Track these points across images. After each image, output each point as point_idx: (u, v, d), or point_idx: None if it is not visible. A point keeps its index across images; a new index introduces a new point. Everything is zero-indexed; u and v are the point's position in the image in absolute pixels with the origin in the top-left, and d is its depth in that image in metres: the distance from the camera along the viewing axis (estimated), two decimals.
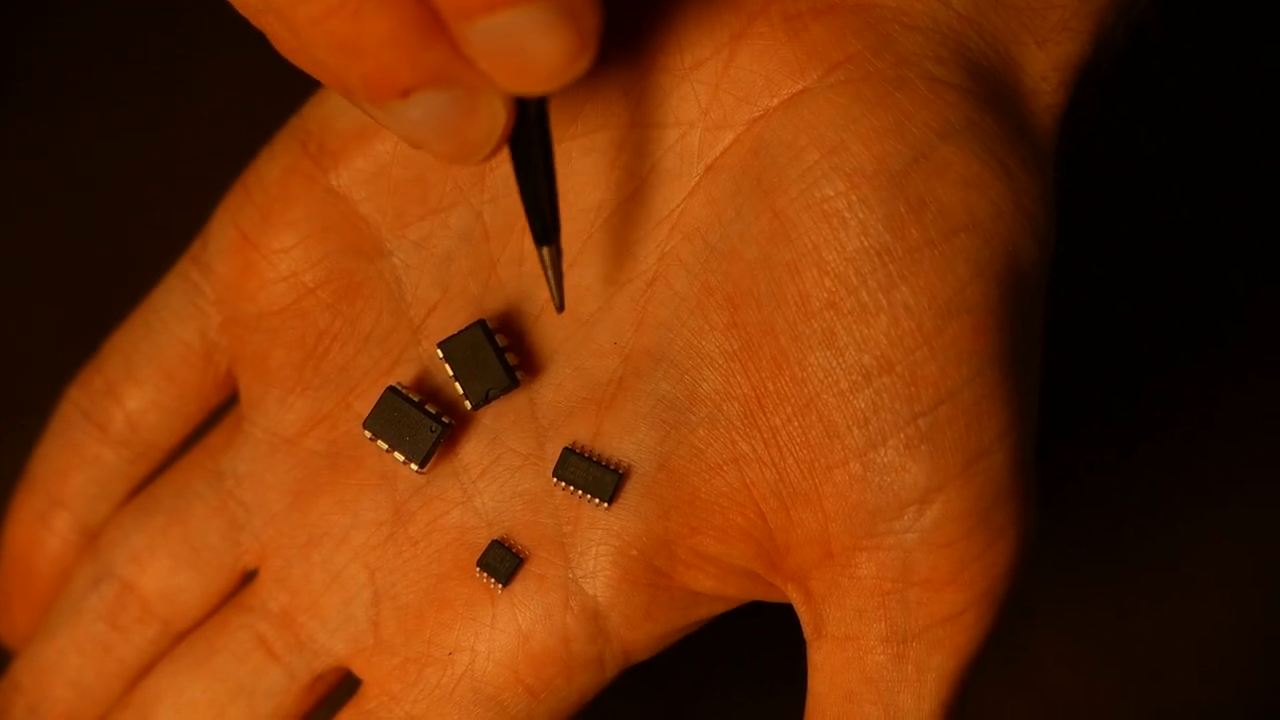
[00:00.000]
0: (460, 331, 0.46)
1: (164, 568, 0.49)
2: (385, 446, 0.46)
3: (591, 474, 0.46)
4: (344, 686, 0.49)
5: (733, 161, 0.45)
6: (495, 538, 0.47)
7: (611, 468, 0.46)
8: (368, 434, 0.47)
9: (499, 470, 0.47)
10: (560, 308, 0.45)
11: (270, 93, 0.54)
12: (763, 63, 0.45)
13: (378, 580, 0.48)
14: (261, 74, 0.63)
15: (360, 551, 0.48)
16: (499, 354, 0.46)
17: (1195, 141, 0.68)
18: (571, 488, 0.46)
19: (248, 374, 0.49)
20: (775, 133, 0.45)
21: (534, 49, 0.38)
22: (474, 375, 0.46)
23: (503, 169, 0.47)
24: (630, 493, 0.46)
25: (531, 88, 0.39)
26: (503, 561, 0.47)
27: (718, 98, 0.45)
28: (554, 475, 0.46)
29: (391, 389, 0.46)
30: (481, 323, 0.46)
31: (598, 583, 0.46)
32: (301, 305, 0.48)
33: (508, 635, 0.47)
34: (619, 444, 0.46)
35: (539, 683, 0.47)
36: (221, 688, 0.48)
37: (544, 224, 0.43)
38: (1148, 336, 0.70)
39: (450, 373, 0.46)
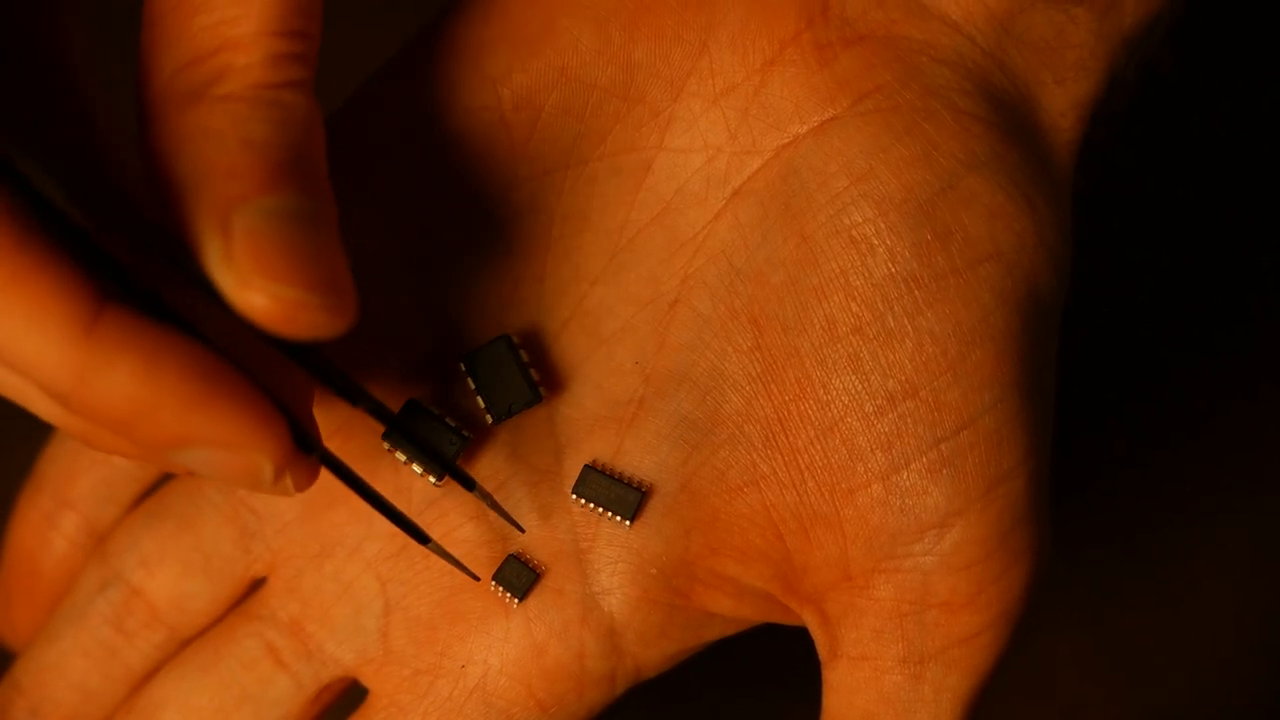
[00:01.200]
0: (484, 345, 0.46)
1: (173, 574, 0.48)
2: (404, 458, 0.46)
3: (613, 492, 0.46)
4: (350, 696, 0.49)
5: (760, 186, 0.45)
6: (511, 552, 0.47)
7: (634, 486, 0.46)
8: (386, 445, 0.46)
9: (516, 484, 0.47)
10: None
11: None
12: (793, 90, 0.45)
13: (389, 591, 0.48)
14: None
15: (373, 562, 0.48)
16: (523, 369, 0.46)
17: (1202, 152, 0.69)
18: (591, 505, 0.46)
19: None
20: (804, 159, 0.45)
21: (220, 462, 0.38)
22: (497, 389, 0.46)
23: (529, 185, 0.47)
24: (651, 512, 0.46)
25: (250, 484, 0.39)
26: (519, 576, 0.46)
27: (746, 123, 0.46)
28: (573, 492, 0.46)
29: (412, 401, 0.46)
30: (506, 338, 0.46)
31: (615, 600, 0.46)
32: None
33: (522, 649, 0.47)
34: (640, 463, 0.46)
35: (550, 698, 0.47)
36: (227, 695, 0.48)
37: (408, 531, 0.44)
38: (1156, 342, 0.70)
39: (473, 386, 0.46)
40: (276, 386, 0.40)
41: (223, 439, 0.38)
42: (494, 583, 0.47)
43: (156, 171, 0.39)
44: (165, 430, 0.37)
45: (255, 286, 0.37)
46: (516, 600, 0.46)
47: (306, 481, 0.40)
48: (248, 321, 0.38)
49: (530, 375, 0.46)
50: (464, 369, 0.46)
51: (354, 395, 0.42)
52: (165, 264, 0.39)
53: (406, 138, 0.46)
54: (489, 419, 0.46)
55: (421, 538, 0.44)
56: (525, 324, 0.47)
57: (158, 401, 0.37)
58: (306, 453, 0.40)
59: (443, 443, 0.46)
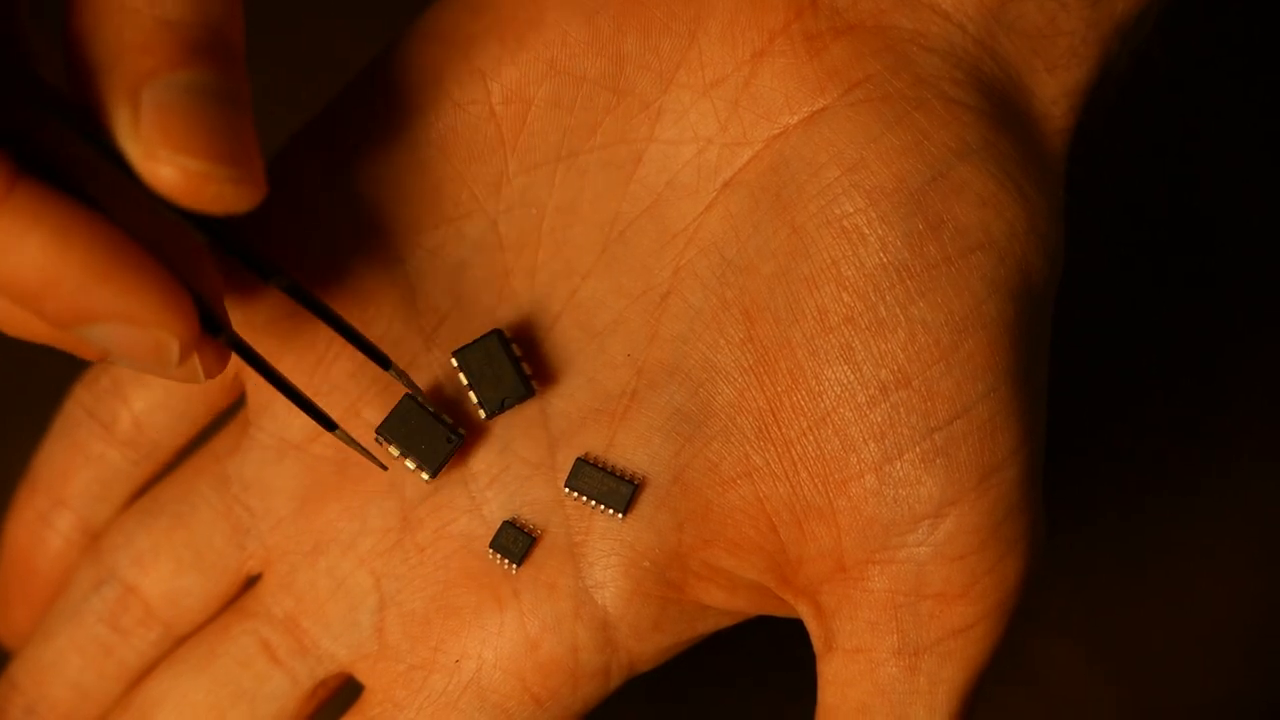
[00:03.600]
0: (476, 340, 0.45)
1: (167, 571, 0.48)
2: (397, 453, 0.45)
3: (606, 484, 0.45)
4: (345, 692, 0.48)
5: (751, 177, 0.45)
6: (506, 519, 0.46)
7: (626, 479, 0.45)
8: (379, 439, 0.46)
9: (508, 479, 0.46)
10: (383, 467, 0.45)
11: (285, 95, 0.53)
12: (783, 80, 0.44)
13: (384, 587, 0.47)
14: (274, 76, 0.62)
15: (366, 558, 0.47)
16: (515, 363, 0.45)
17: (1194, 141, 0.68)
18: (584, 498, 0.45)
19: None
20: (795, 149, 0.44)
21: (128, 340, 0.38)
22: (489, 384, 0.45)
23: (520, 179, 0.46)
24: (644, 504, 0.45)
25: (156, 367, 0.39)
26: (515, 541, 0.45)
27: (737, 114, 0.45)
28: (566, 485, 0.45)
29: (408, 396, 0.45)
30: (498, 332, 0.45)
31: (608, 593, 0.46)
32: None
33: (515, 643, 0.46)
34: (632, 455, 0.45)
35: (545, 692, 0.46)
36: (223, 691, 0.47)
37: (315, 416, 0.43)
38: (1154, 335, 0.70)
39: (465, 381, 0.45)
40: (186, 271, 0.40)
41: (128, 314, 0.38)
42: (491, 550, 0.46)
43: (73, 49, 0.39)
44: (72, 304, 0.37)
45: (161, 159, 0.37)
46: (515, 566, 0.45)
47: (216, 366, 0.40)
48: (157, 195, 0.37)
49: (522, 369, 0.45)
50: (456, 364, 0.46)
51: (267, 271, 0.41)
52: (81, 139, 0.39)
53: (395, 132, 0.46)
54: (482, 414, 0.46)
55: (329, 424, 0.44)
56: (517, 318, 0.46)
57: (65, 274, 0.37)
58: (214, 335, 0.40)
59: (438, 440, 0.45)
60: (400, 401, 0.45)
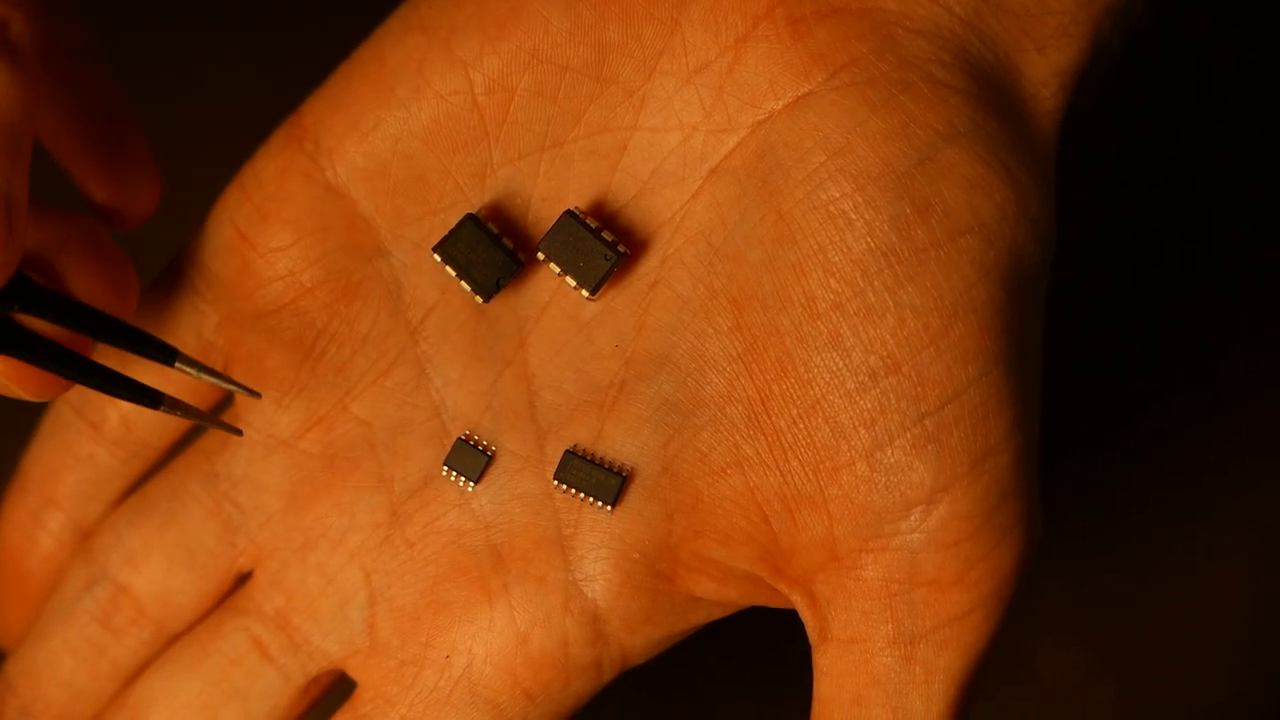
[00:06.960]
0: (451, 231, 0.43)
1: (158, 570, 0.46)
2: (453, 274, 0.43)
3: (594, 477, 0.43)
4: (339, 688, 0.46)
5: (737, 164, 0.43)
6: (459, 435, 0.44)
7: (614, 471, 0.43)
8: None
9: (497, 472, 0.44)
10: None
11: (268, 90, 0.51)
12: (767, 65, 0.42)
13: (374, 583, 0.45)
14: (260, 71, 0.61)
15: (356, 554, 0.45)
16: (496, 241, 0.43)
17: (1188, 126, 0.67)
18: (573, 490, 0.43)
19: (244, 374, 0.46)
20: (780, 135, 0.42)
21: None
22: (478, 268, 0.43)
23: (504, 170, 0.44)
24: (633, 496, 0.43)
25: None
26: (471, 459, 0.44)
27: (721, 101, 0.43)
28: (554, 478, 0.43)
29: (470, 217, 0.43)
30: (471, 217, 0.43)
31: (598, 586, 0.44)
32: (299, 305, 0.45)
33: (506, 638, 0.44)
34: (621, 447, 0.43)
35: (536, 686, 0.44)
36: (215, 690, 0.45)
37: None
38: (1148, 335, 0.68)
39: (453, 273, 0.43)
40: None
41: None
42: (445, 468, 0.44)
43: None
44: None
45: None
46: (472, 484, 0.44)
47: None
48: None
49: (505, 244, 0.43)
50: (439, 259, 0.43)
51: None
52: None
53: (378, 125, 0.44)
54: (479, 299, 0.43)
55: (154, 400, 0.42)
56: (504, 309, 0.44)
57: None
58: None
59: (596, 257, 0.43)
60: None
